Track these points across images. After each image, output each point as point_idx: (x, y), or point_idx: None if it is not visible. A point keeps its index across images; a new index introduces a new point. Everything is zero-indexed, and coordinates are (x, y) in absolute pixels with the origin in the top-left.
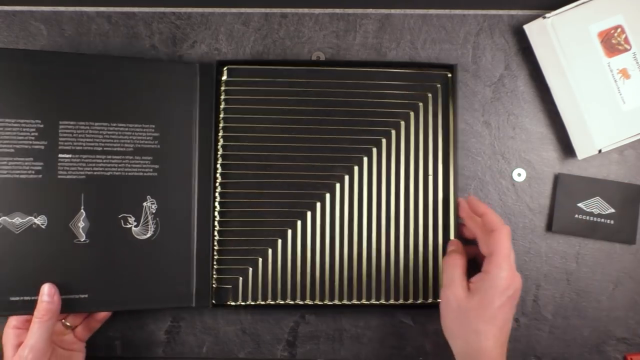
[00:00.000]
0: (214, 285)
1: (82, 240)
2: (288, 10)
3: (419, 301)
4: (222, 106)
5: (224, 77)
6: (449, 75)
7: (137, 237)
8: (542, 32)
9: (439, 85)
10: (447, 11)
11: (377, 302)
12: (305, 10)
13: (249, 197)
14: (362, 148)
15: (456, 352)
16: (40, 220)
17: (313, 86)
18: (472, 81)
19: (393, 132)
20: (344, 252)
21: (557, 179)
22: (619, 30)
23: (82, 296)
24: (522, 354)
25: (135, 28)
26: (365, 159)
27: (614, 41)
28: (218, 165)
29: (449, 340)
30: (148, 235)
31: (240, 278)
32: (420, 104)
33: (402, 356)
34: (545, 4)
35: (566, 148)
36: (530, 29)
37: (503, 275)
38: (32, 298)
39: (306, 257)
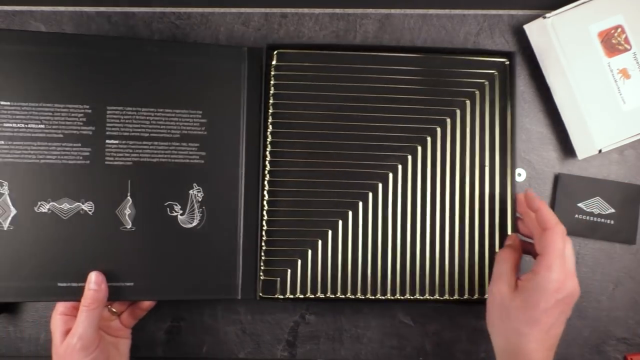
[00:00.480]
0: (261, 278)
1: (128, 227)
2: (288, 10)
3: (475, 297)
4: (271, 92)
5: (274, 62)
6: (507, 62)
7: (183, 225)
8: (542, 32)
9: (496, 73)
10: (447, 11)
11: (432, 298)
12: (305, 10)
13: (298, 186)
14: (416, 137)
15: (497, 349)
16: (87, 207)
17: (365, 72)
18: None
19: (448, 120)
20: (396, 245)
21: (557, 179)
22: (619, 30)
23: (128, 284)
24: None
25: (135, 28)
26: (419, 148)
27: (614, 41)
28: (267, 153)
29: (491, 336)
30: (194, 224)
31: (289, 270)
32: (477, 92)
33: (402, 356)
34: (545, 4)
35: (566, 148)
36: (530, 29)
37: (552, 278)
38: (79, 284)
39: (357, 249)
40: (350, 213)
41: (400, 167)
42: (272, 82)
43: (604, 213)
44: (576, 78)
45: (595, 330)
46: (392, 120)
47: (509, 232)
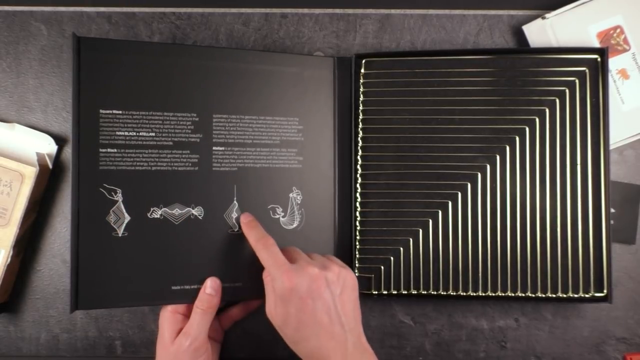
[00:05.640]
0: (356, 275)
1: (236, 230)
2: (288, 10)
3: (568, 294)
4: (361, 98)
5: (362, 70)
6: (598, 59)
7: (285, 227)
8: (541, 32)
9: (587, 70)
10: (447, 11)
11: (523, 295)
12: (305, 10)
13: (389, 187)
14: (504, 137)
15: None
16: (197, 211)
17: (451, 75)
18: None
19: (537, 119)
20: (487, 243)
21: None
22: (618, 30)
23: (237, 284)
24: (522, 354)
25: (135, 28)
26: (508, 148)
27: (613, 41)
28: (358, 157)
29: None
30: (294, 225)
31: (382, 267)
32: (566, 90)
33: (402, 356)
34: (545, 4)
35: None
36: (529, 29)
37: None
38: (192, 287)
39: (448, 246)
40: (440, 213)
41: (488, 167)
42: (361, 90)
43: None
44: None
45: (595, 330)
46: (479, 122)
47: (604, 231)
